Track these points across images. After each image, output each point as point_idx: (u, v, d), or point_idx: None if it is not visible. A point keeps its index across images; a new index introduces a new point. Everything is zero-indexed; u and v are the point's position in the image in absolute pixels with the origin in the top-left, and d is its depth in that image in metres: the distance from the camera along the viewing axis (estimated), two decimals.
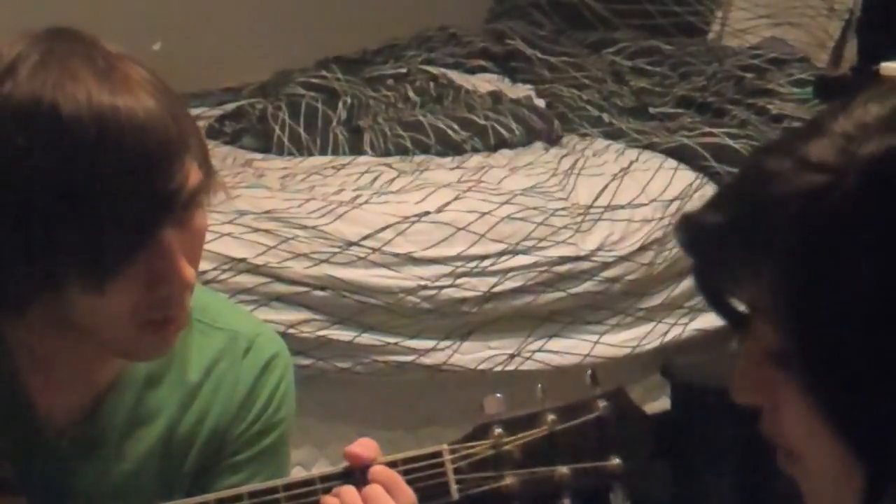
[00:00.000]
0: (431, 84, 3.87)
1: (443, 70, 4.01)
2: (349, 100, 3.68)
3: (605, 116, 3.73)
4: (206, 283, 2.75)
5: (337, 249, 2.96)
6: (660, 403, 3.18)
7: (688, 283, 3.28)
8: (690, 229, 1.04)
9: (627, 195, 3.28)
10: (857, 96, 1.02)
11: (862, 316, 0.96)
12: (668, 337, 3.27)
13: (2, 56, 1.36)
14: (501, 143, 3.50)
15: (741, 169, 1.05)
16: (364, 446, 1.41)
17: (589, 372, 1.38)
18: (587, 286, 3.17)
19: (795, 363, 0.99)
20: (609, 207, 3.24)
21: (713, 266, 1.04)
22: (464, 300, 3.04)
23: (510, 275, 3.08)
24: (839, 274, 0.96)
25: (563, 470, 1.37)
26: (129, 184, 1.33)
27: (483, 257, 3.07)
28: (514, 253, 3.10)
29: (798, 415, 1.00)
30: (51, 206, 1.33)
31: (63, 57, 1.35)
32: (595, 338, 3.20)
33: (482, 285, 3.05)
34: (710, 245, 1.03)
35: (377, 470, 1.40)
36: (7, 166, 1.33)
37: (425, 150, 3.46)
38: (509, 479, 1.37)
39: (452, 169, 3.34)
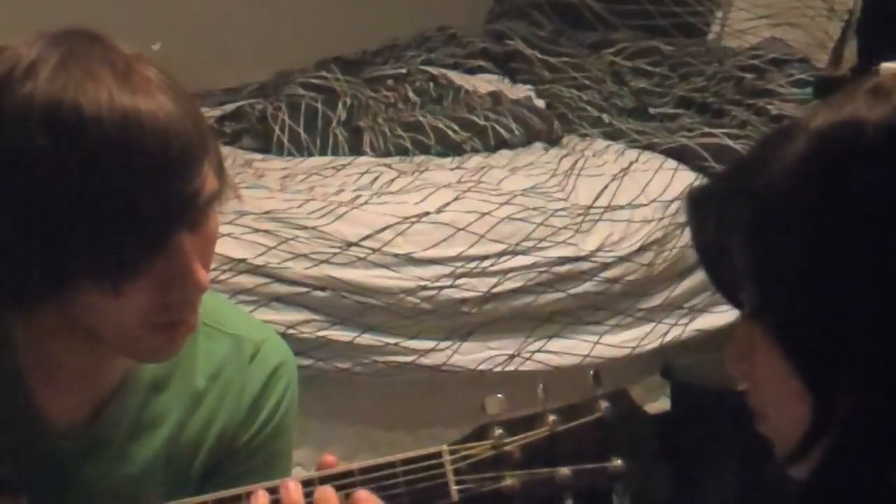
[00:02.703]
0: (431, 84, 3.87)
1: (442, 70, 4.01)
2: (349, 100, 3.68)
3: (605, 117, 3.73)
4: None
5: (337, 250, 2.96)
6: (660, 404, 3.18)
7: (688, 283, 3.28)
8: (693, 195, 1.17)
9: (627, 195, 3.28)
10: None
11: (812, 267, 1.06)
12: (668, 337, 3.27)
13: (21, 57, 1.35)
14: (501, 144, 3.51)
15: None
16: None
17: (592, 372, 1.38)
18: (587, 287, 3.17)
19: (762, 312, 1.10)
20: (609, 208, 3.24)
21: (707, 229, 1.15)
22: (464, 301, 3.04)
23: (510, 275, 3.08)
24: (793, 231, 1.07)
25: (565, 471, 1.37)
26: (149, 186, 1.33)
27: (483, 258, 3.06)
28: (514, 253, 3.10)
29: (767, 365, 1.10)
30: (70, 207, 1.32)
31: (83, 58, 1.35)
32: (595, 338, 3.20)
33: (482, 286, 3.05)
34: (705, 207, 1.15)
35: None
36: (28, 166, 1.33)
37: (425, 150, 3.46)
38: (510, 480, 1.37)
39: (452, 169, 3.34)
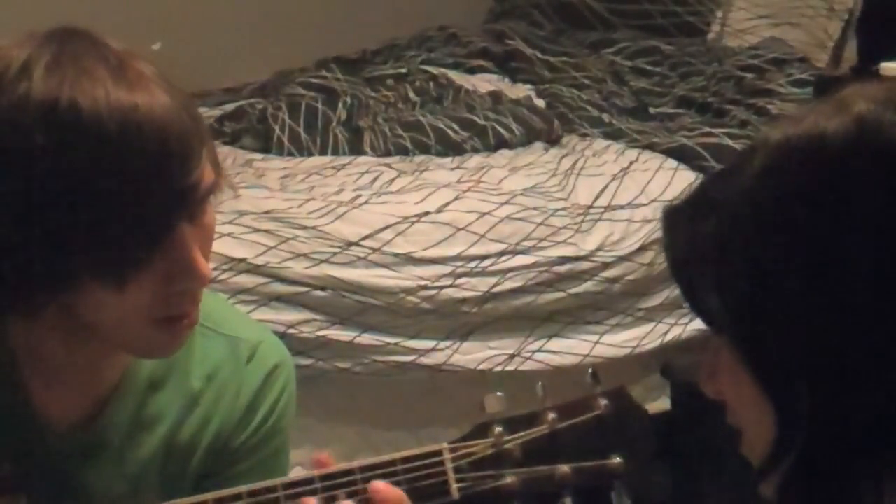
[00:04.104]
0: (431, 84, 3.87)
1: (443, 70, 4.02)
2: (349, 100, 3.68)
3: (605, 116, 3.73)
4: None
5: (337, 249, 2.96)
6: (660, 403, 3.18)
7: None
8: (665, 210, 1.17)
9: (627, 195, 3.28)
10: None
11: (770, 280, 1.06)
12: (668, 337, 3.27)
13: (13, 58, 1.35)
14: (501, 144, 3.51)
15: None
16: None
17: (590, 370, 1.38)
18: (587, 286, 3.17)
19: (726, 327, 1.11)
20: (609, 207, 3.24)
21: (678, 244, 1.15)
22: (464, 300, 3.04)
23: (510, 275, 3.08)
24: (750, 245, 1.07)
25: (564, 469, 1.37)
26: (150, 179, 1.33)
27: (483, 257, 3.06)
28: (514, 253, 3.10)
29: (735, 381, 1.12)
30: (71, 204, 1.32)
31: (76, 56, 1.35)
32: (595, 338, 3.20)
33: (482, 285, 3.05)
34: (676, 222, 1.15)
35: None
36: (28, 166, 1.33)
37: (425, 150, 3.46)
38: (510, 479, 1.37)
39: (452, 169, 3.34)
